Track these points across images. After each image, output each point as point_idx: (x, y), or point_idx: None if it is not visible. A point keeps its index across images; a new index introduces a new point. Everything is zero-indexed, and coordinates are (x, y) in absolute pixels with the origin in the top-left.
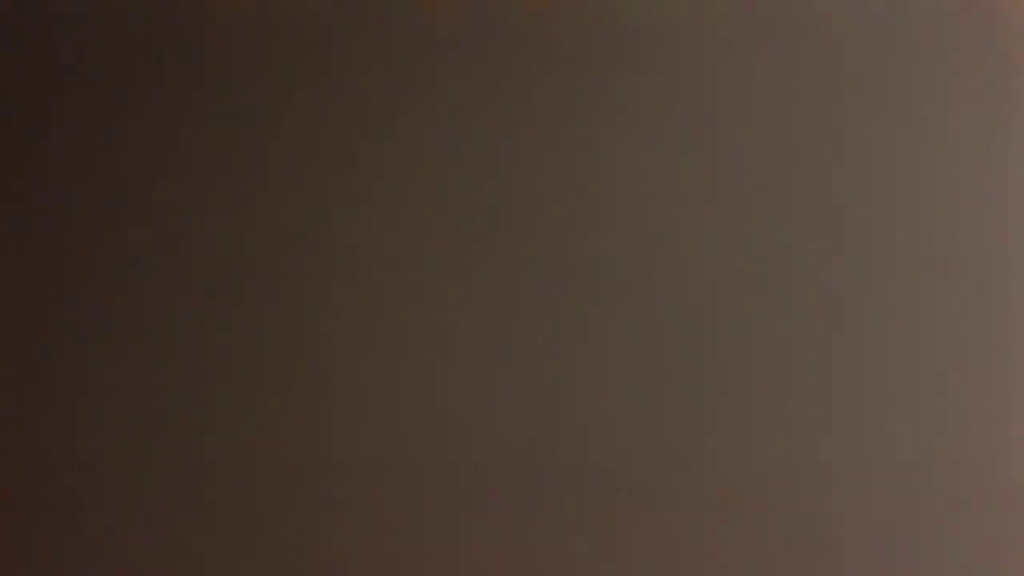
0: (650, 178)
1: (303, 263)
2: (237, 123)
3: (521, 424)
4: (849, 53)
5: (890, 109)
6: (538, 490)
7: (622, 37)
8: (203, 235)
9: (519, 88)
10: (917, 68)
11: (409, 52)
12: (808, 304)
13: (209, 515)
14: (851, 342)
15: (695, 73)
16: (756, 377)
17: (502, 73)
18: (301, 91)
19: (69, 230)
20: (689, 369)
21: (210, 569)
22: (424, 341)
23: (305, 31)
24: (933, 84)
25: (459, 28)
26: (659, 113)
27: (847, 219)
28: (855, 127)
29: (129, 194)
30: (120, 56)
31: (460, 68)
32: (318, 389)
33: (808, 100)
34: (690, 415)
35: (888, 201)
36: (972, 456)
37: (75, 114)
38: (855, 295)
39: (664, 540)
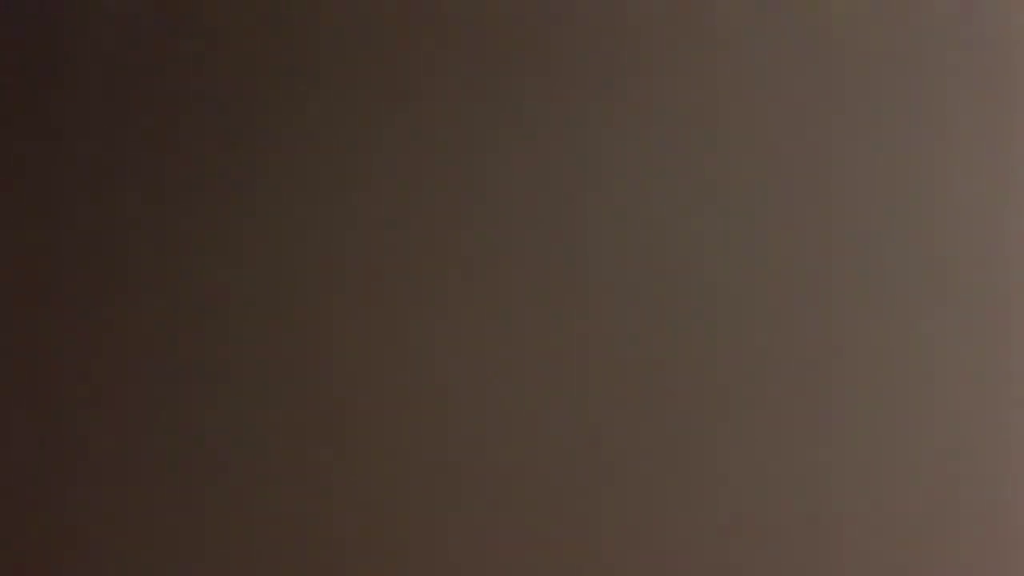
0: (650, 177)
1: (302, 265)
2: (235, 124)
3: (521, 425)
4: (849, 53)
5: (890, 109)
6: (538, 491)
7: (621, 34)
8: (202, 237)
9: (519, 86)
10: (917, 68)
11: (408, 51)
12: (808, 304)
13: (210, 517)
14: (851, 343)
15: (695, 72)
16: (756, 377)
17: (501, 71)
18: (300, 93)
19: (68, 233)
20: (689, 371)
21: (210, 570)
22: (424, 341)
23: (304, 32)
24: (933, 84)
25: (456, 27)
26: (658, 113)
27: (847, 219)
28: (855, 127)
29: (128, 196)
30: (119, 57)
31: (459, 67)
32: (318, 390)
33: (808, 100)
34: (690, 416)
35: (888, 201)
36: (972, 457)
37: (75, 115)
38: (855, 295)
39: (664, 541)
